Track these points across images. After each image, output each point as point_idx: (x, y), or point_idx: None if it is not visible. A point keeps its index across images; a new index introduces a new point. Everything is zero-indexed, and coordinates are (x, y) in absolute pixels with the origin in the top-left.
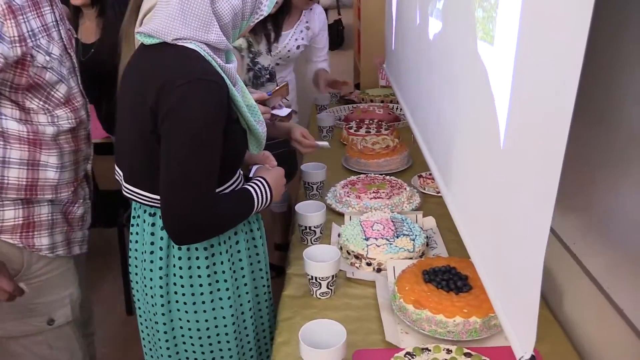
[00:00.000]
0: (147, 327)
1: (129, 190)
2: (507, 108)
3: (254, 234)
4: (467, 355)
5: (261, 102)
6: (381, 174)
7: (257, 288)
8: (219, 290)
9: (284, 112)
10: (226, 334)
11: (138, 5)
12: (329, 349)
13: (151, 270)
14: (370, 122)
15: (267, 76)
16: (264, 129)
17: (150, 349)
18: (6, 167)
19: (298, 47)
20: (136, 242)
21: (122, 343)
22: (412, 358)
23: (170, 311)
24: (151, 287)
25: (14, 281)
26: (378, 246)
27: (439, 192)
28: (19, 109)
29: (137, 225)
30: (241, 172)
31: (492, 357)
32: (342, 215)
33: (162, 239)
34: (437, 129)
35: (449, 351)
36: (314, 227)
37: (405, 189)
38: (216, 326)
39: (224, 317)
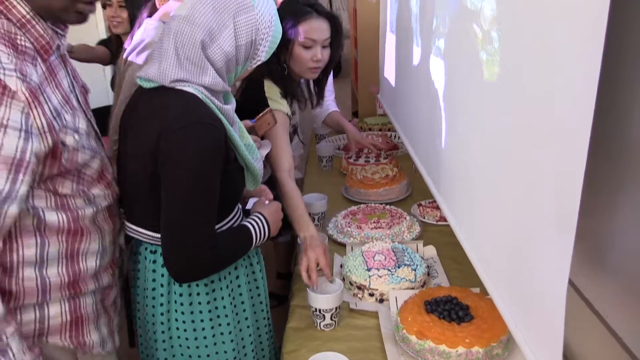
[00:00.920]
0: None
1: (131, 229)
2: (510, 142)
3: (253, 267)
4: None
5: (247, 130)
6: (381, 204)
7: (257, 321)
8: (220, 325)
9: (266, 147)
10: None
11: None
12: None
13: (153, 306)
14: (369, 151)
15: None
16: (261, 166)
17: None
18: (45, 266)
19: None
20: (138, 278)
21: None
22: None
23: (172, 346)
24: (153, 323)
25: None
26: (380, 277)
27: (438, 221)
28: (53, 195)
29: (139, 262)
30: (240, 207)
31: None
32: (344, 245)
33: (163, 275)
34: (440, 160)
35: None
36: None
37: (405, 218)
38: None
39: (225, 352)
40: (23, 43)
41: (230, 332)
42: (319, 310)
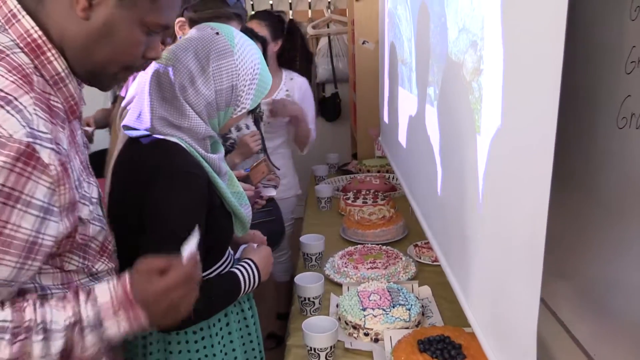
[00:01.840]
0: None
1: None
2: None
3: (245, 313)
4: None
5: (242, 179)
6: (378, 244)
7: None
8: None
9: (270, 192)
10: None
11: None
12: None
13: (144, 355)
14: (367, 192)
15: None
16: (249, 212)
17: None
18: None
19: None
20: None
21: None
22: None
23: None
24: None
25: None
26: (375, 316)
27: (434, 261)
28: (60, 272)
29: None
30: (231, 253)
31: None
32: (340, 285)
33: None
34: (434, 204)
35: None
36: (313, 298)
37: (401, 258)
38: None
39: None
40: (55, 104)
41: None
42: (314, 350)
